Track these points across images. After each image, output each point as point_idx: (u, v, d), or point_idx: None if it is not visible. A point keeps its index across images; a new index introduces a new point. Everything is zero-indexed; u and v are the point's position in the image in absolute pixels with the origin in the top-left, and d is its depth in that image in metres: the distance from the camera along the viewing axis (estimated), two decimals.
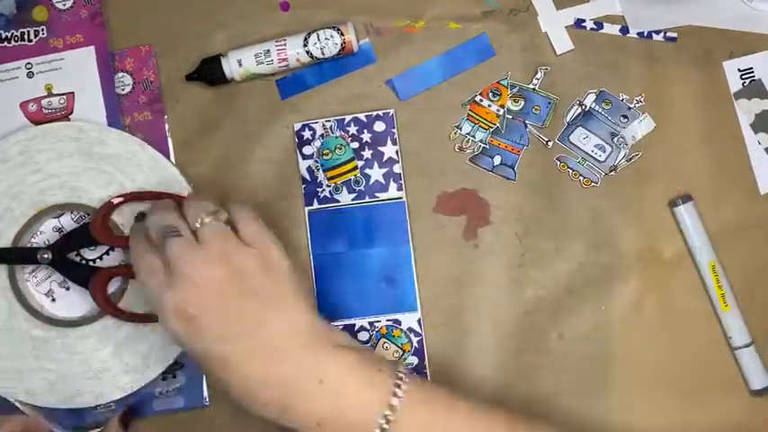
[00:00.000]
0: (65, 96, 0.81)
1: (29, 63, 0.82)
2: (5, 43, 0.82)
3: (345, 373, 0.64)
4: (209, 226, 0.67)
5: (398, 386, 0.64)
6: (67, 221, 0.81)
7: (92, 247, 0.80)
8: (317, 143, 0.81)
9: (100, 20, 0.82)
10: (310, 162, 0.81)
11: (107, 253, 0.80)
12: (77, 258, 0.80)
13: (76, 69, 0.82)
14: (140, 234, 0.69)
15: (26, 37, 0.82)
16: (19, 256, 0.79)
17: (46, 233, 0.80)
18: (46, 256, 0.78)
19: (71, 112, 0.81)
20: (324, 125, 0.81)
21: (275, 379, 0.64)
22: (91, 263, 0.80)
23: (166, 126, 0.82)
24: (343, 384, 0.64)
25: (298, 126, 0.81)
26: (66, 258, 0.79)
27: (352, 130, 0.81)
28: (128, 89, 0.82)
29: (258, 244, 0.67)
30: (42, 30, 0.82)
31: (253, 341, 0.64)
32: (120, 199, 0.77)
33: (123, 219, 0.79)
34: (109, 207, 0.77)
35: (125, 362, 0.79)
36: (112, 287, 0.79)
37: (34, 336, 0.79)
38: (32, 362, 0.78)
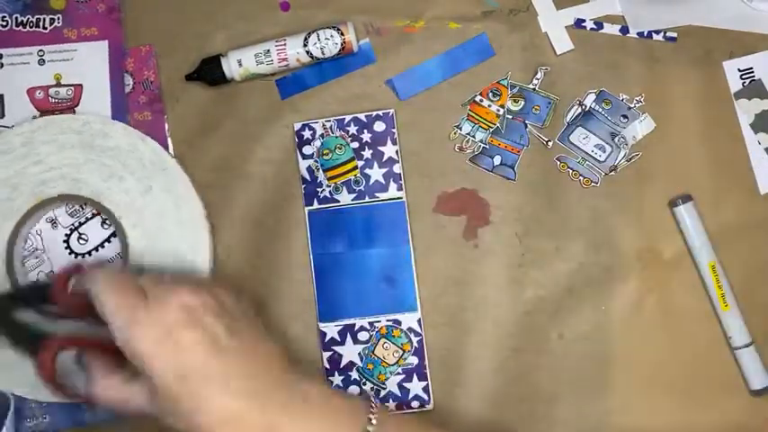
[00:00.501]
0: (72, 88, 0.82)
1: (41, 50, 0.82)
2: (20, 28, 0.82)
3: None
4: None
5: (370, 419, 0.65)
6: (62, 214, 0.81)
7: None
8: (317, 143, 0.81)
9: (117, 15, 0.82)
10: (310, 162, 0.81)
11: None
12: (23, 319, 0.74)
13: (88, 62, 0.82)
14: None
15: (41, 24, 0.82)
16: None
17: (44, 231, 0.81)
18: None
19: (77, 105, 0.82)
20: (324, 125, 0.81)
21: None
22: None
23: (166, 126, 0.82)
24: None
25: (298, 126, 0.81)
26: (9, 318, 0.72)
27: (352, 129, 0.81)
28: (128, 89, 0.82)
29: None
30: (58, 18, 0.82)
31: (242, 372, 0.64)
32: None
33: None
34: (69, 271, 0.72)
35: None
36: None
37: None
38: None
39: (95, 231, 0.81)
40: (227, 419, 0.62)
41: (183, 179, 0.80)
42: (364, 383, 0.79)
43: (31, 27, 0.82)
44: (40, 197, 0.80)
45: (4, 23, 0.82)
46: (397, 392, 0.79)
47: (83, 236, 0.81)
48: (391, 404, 0.79)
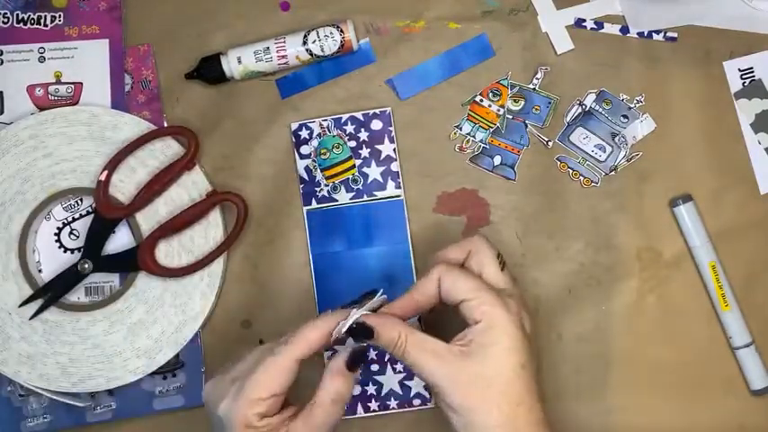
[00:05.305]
0: (73, 86, 0.82)
1: (42, 48, 0.82)
2: (21, 25, 0.82)
3: None
4: None
5: None
6: (56, 207, 0.82)
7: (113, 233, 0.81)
8: (315, 142, 0.81)
9: (118, 14, 0.83)
10: (308, 162, 0.81)
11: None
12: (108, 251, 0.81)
13: (88, 60, 0.82)
14: None
15: (42, 21, 0.82)
16: (62, 285, 0.80)
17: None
18: (87, 266, 0.79)
19: (76, 103, 0.82)
20: (321, 124, 0.81)
21: None
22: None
23: (165, 125, 0.82)
24: None
25: (295, 126, 0.81)
26: (103, 257, 0.80)
27: (350, 128, 0.81)
28: (126, 88, 0.82)
29: None
30: (59, 16, 0.82)
31: None
32: (105, 172, 0.79)
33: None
34: (102, 184, 0.79)
35: (136, 346, 0.79)
36: None
37: (45, 320, 0.79)
38: (44, 346, 0.79)
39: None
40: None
41: (195, 169, 0.81)
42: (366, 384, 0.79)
43: (32, 24, 0.82)
44: (50, 191, 0.80)
45: (5, 20, 0.82)
46: (399, 390, 0.79)
47: (74, 231, 0.81)
48: (392, 402, 0.79)
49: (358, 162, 0.80)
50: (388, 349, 0.66)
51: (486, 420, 0.63)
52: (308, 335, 0.65)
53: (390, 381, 0.79)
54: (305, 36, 0.80)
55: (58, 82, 0.82)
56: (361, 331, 0.65)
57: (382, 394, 0.79)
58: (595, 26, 0.82)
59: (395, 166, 0.80)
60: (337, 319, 0.66)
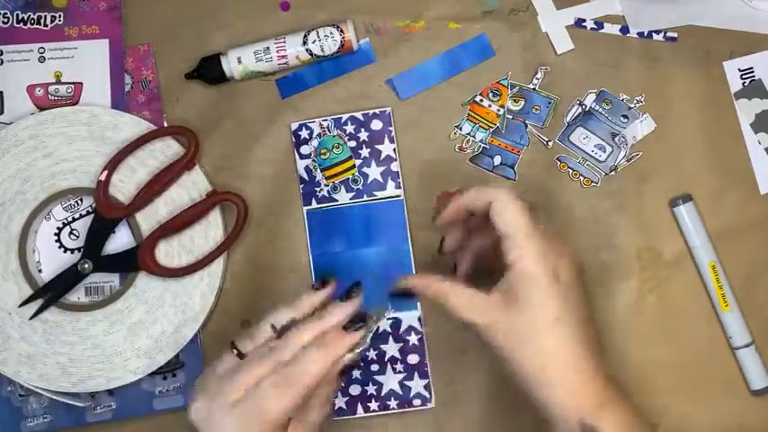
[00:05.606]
0: (73, 86, 0.82)
1: (42, 48, 0.82)
2: (21, 25, 0.82)
3: None
4: None
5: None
6: (56, 207, 0.82)
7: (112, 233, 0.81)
8: (315, 142, 0.81)
9: (118, 14, 0.82)
10: (308, 162, 0.81)
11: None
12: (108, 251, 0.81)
13: (88, 61, 0.82)
14: None
15: (42, 21, 0.82)
16: (62, 285, 0.80)
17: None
18: (87, 266, 0.79)
19: (76, 103, 0.82)
20: (321, 124, 0.81)
21: None
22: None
23: (165, 125, 0.82)
24: None
25: (295, 126, 0.81)
26: (103, 257, 0.80)
27: (350, 128, 0.81)
28: (126, 88, 0.82)
29: None
30: (60, 16, 0.82)
31: None
32: (105, 172, 0.79)
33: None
34: (102, 184, 0.79)
35: (136, 346, 0.79)
36: None
37: (45, 320, 0.79)
38: (44, 346, 0.79)
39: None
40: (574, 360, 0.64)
41: (195, 169, 0.80)
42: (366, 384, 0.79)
43: (32, 24, 0.82)
44: (50, 191, 0.80)
45: (5, 20, 0.82)
46: (399, 391, 0.79)
47: (74, 231, 0.81)
48: (392, 402, 0.79)
49: (358, 162, 0.80)
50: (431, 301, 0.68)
51: (520, 369, 0.64)
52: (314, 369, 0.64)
53: (390, 381, 0.79)
54: (305, 36, 0.80)
55: (58, 82, 0.82)
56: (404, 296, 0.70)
57: (382, 394, 0.79)
58: (595, 26, 0.82)
59: (395, 166, 0.80)
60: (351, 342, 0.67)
